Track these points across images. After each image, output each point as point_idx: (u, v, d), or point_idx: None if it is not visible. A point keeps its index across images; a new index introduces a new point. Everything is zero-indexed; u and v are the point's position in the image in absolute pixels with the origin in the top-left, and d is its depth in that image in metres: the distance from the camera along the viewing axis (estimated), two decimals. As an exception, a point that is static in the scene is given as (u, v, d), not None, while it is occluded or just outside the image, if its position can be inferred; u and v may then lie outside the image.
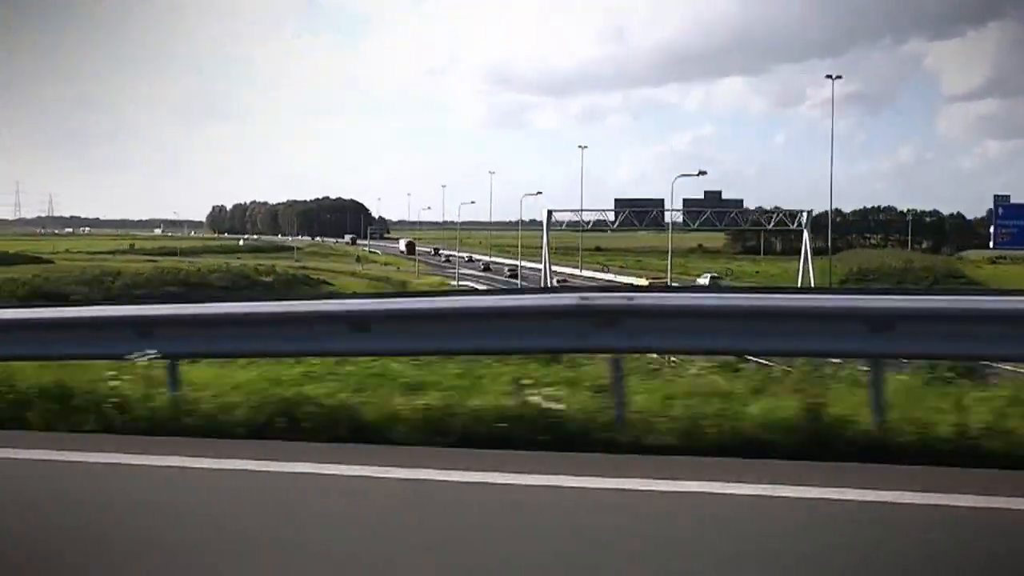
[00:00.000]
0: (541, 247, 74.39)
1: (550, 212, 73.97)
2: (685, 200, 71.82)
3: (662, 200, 71.51)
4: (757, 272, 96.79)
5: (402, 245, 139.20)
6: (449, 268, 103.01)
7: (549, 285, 64.24)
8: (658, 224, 71.35)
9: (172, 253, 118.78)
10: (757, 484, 4.68)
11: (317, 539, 4.14)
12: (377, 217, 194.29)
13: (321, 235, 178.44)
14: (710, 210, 64.79)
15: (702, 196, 70.98)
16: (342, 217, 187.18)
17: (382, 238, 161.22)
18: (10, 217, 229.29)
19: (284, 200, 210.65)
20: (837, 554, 3.89)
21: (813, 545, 4.00)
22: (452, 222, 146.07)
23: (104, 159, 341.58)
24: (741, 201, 71.03)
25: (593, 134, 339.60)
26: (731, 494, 4.59)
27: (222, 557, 3.93)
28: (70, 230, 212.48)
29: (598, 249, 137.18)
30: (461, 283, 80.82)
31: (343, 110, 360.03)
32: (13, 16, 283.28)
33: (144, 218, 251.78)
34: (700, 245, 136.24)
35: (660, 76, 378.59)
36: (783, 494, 4.55)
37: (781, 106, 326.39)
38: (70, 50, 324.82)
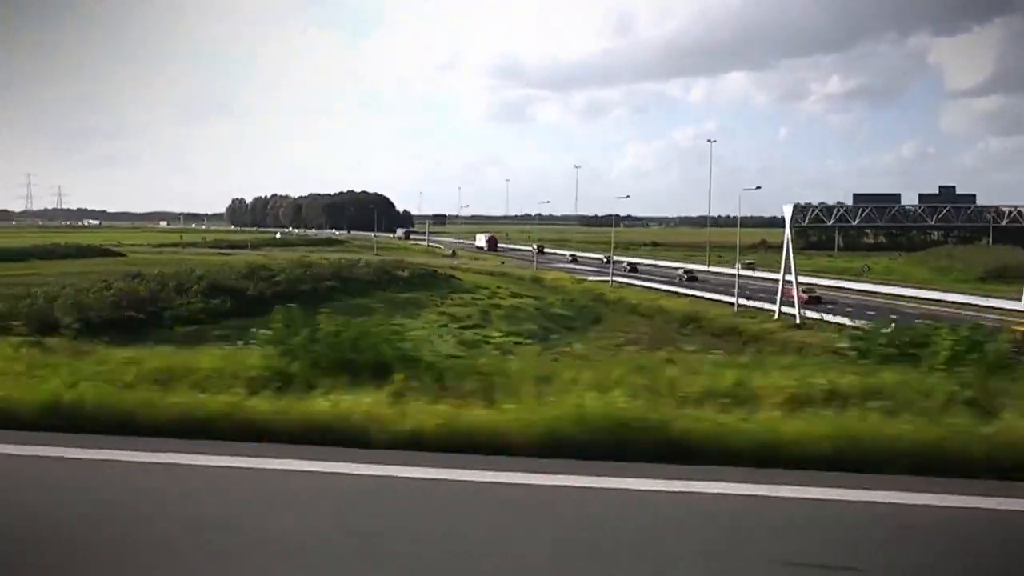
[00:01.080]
0: (780, 246, 63.62)
1: (795, 207, 64.31)
2: (921, 195, 69.93)
3: (898, 195, 69.17)
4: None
5: (481, 241, 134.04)
6: (575, 267, 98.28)
7: (798, 296, 59.28)
8: (895, 219, 68.35)
9: (241, 246, 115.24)
10: None
11: None
12: (403, 211, 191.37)
13: (344, 228, 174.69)
14: (949, 205, 63.01)
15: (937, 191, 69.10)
16: (366, 211, 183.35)
17: (407, 235, 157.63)
18: (19, 208, 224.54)
19: (306, 194, 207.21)
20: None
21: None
22: (511, 216, 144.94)
23: (107, 154, 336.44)
24: (974, 196, 69.15)
25: (595, 128, 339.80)
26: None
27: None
28: (96, 223, 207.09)
29: (656, 244, 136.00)
30: (613, 279, 77.80)
31: (347, 107, 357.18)
32: (15, 16, 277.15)
33: (147, 211, 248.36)
34: (763, 241, 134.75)
35: (664, 71, 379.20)
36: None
37: (784, 101, 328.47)
38: (73, 48, 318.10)
